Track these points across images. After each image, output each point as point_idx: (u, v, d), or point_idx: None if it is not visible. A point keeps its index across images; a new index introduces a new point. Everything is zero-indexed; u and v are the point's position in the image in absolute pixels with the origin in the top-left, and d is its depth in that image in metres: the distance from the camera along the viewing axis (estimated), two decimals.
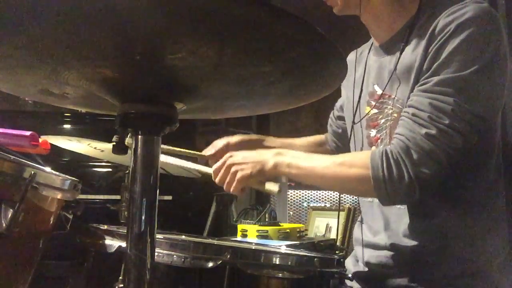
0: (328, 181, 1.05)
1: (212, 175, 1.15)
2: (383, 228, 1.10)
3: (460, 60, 0.93)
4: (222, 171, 1.12)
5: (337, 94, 1.41)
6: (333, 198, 2.74)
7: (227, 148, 1.34)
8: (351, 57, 1.34)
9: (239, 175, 1.08)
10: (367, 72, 1.21)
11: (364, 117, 1.20)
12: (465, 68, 0.93)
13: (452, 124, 0.91)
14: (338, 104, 1.44)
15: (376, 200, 1.10)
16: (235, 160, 1.11)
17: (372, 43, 1.23)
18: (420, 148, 0.92)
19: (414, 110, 0.96)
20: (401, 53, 1.06)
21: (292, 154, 1.08)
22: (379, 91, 1.15)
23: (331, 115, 1.47)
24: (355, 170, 0.98)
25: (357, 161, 1.00)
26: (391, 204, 1.03)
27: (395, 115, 1.09)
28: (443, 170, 0.93)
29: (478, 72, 0.92)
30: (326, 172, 1.02)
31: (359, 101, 1.22)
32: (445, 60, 0.95)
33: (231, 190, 1.11)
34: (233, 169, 1.10)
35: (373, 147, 1.19)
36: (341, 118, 1.40)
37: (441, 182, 0.96)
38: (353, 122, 1.23)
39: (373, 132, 1.19)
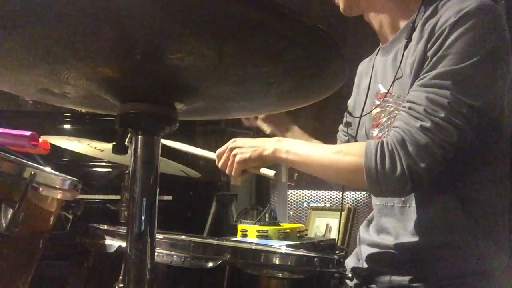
0: (323, 168, 1.05)
1: (216, 160, 1.21)
2: (392, 226, 1.10)
3: (457, 53, 0.93)
4: (225, 155, 1.17)
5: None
6: (333, 198, 2.74)
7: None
8: (361, 67, 1.35)
9: (238, 157, 1.13)
10: (373, 74, 1.22)
11: (366, 114, 1.21)
12: (462, 61, 0.92)
13: (447, 118, 0.90)
14: (348, 109, 1.44)
15: (390, 202, 1.10)
16: (237, 144, 1.15)
17: (379, 47, 1.23)
18: (415, 141, 0.91)
19: (410, 104, 0.95)
20: (404, 50, 1.06)
21: (292, 141, 1.10)
22: (383, 90, 1.15)
23: (341, 126, 1.46)
24: (349, 158, 0.98)
25: (352, 149, 1.00)
26: (381, 195, 1.04)
27: (396, 112, 1.09)
28: (438, 164, 0.92)
29: (475, 65, 0.91)
30: (322, 159, 1.03)
31: (365, 102, 1.23)
32: (443, 53, 0.94)
33: (232, 172, 1.15)
34: (233, 152, 1.15)
35: None
36: (349, 124, 1.40)
37: (437, 178, 0.95)
38: (359, 122, 1.24)
39: (375, 132, 1.19)
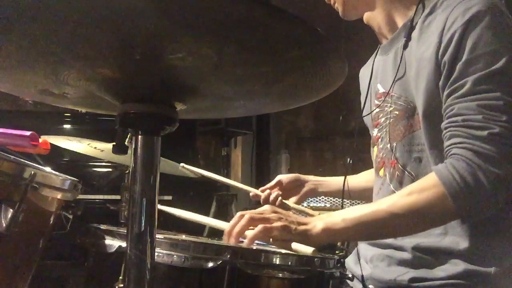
0: (398, 217, 0.91)
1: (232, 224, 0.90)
2: None
3: (486, 53, 0.90)
4: (258, 218, 0.90)
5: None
6: (333, 198, 2.74)
7: (279, 184, 1.34)
8: (362, 71, 1.35)
9: (280, 223, 0.89)
10: (373, 74, 1.22)
11: (366, 115, 1.20)
12: (495, 60, 0.90)
13: (510, 119, 0.88)
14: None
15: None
16: (280, 211, 0.94)
17: (379, 46, 1.23)
18: (489, 150, 0.87)
19: (463, 116, 0.90)
20: (403, 49, 1.06)
21: (341, 211, 0.96)
22: (381, 90, 1.15)
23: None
24: (428, 193, 0.89)
25: (425, 184, 0.91)
26: (474, 217, 0.92)
27: (396, 112, 1.08)
28: None
29: (509, 61, 0.90)
30: (393, 208, 0.91)
31: (364, 103, 1.23)
32: (469, 57, 0.91)
33: (254, 234, 0.87)
34: (275, 215, 0.91)
35: (375, 147, 1.19)
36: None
37: None
38: (358, 123, 1.23)
39: (375, 132, 1.19)
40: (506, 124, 0.88)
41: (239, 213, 0.91)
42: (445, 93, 0.95)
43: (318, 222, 0.92)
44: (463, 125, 0.91)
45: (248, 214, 0.90)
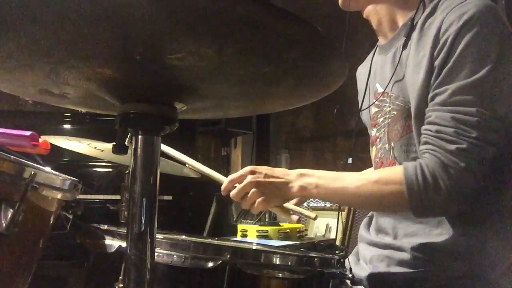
0: (362, 200, 1.02)
1: (225, 184, 1.09)
2: (391, 226, 1.09)
3: (471, 62, 0.91)
4: (241, 186, 1.06)
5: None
6: None
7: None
8: (359, 71, 1.34)
9: (260, 198, 1.05)
10: (372, 73, 1.22)
11: (364, 109, 1.20)
12: (479, 69, 0.90)
13: (481, 136, 0.89)
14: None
15: None
16: (257, 178, 1.06)
17: (377, 45, 1.23)
18: (455, 163, 0.90)
19: (437, 127, 0.93)
20: (403, 49, 1.05)
21: (318, 175, 1.05)
22: (380, 89, 1.15)
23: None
24: (391, 187, 0.96)
25: (391, 177, 0.97)
26: (424, 216, 1.00)
27: (394, 112, 1.08)
28: (480, 182, 0.91)
29: (492, 70, 0.90)
30: (360, 191, 0.99)
31: (362, 101, 1.22)
32: (455, 64, 0.92)
33: (254, 211, 1.07)
34: (254, 188, 1.05)
35: (374, 147, 1.19)
36: None
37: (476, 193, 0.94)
38: (356, 123, 1.23)
39: (373, 132, 1.19)
40: (475, 140, 0.90)
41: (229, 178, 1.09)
42: (429, 96, 0.96)
43: (296, 182, 1.04)
44: (435, 135, 0.93)
45: (246, 178, 1.05)
